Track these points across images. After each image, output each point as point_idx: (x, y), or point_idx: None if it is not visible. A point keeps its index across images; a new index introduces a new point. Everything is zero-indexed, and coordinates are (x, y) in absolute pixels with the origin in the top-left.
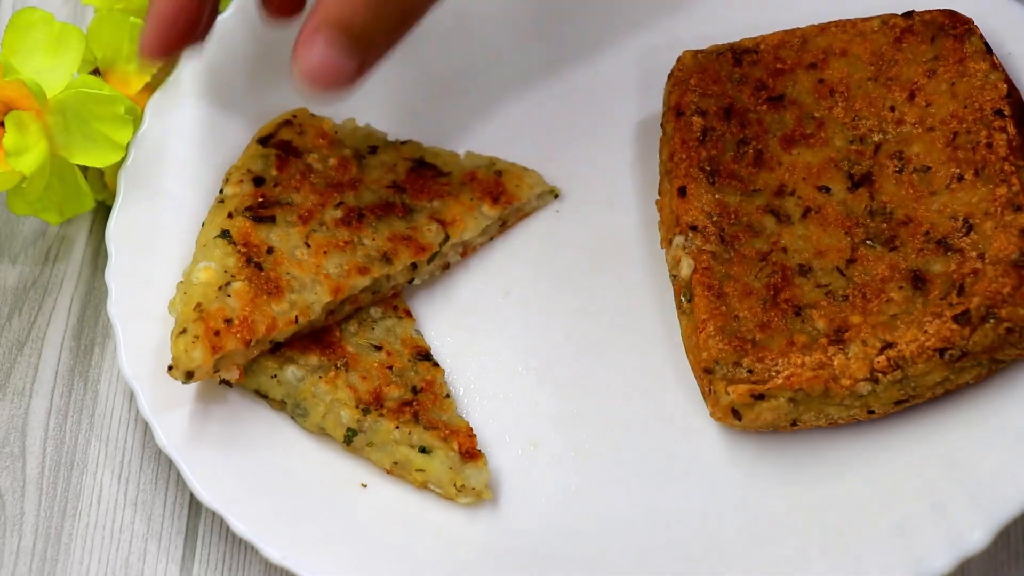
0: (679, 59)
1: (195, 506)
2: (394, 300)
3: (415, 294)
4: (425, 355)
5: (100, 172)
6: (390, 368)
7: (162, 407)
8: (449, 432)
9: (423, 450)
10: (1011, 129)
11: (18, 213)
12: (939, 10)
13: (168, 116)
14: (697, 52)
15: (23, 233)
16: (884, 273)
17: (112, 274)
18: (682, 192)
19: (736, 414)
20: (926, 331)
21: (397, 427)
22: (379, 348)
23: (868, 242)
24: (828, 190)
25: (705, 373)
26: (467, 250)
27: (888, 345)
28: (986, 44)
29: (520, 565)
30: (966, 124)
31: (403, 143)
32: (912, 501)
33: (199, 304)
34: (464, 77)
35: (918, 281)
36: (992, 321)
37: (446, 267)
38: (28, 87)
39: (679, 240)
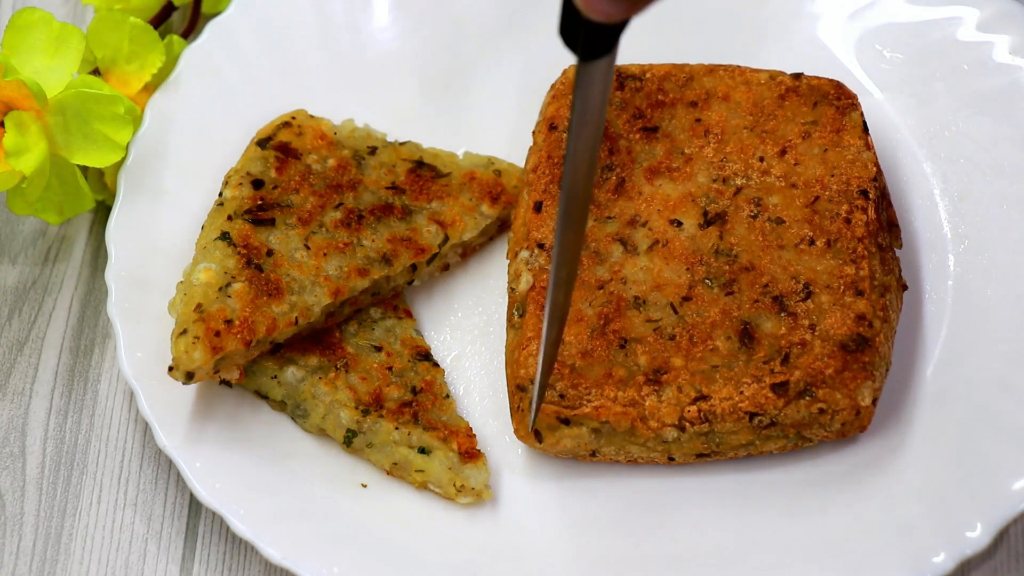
0: (564, 72)
1: (195, 506)
2: (394, 300)
3: (415, 294)
4: (425, 355)
5: (100, 172)
6: (390, 369)
7: (162, 407)
8: (449, 432)
9: (423, 451)
10: (871, 213)
11: (18, 213)
12: (828, 79)
13: (168, 117)
14: None
15: (23, 233)
16: (715, 318)
17: (112, 274)
18: (537, 207)
19: (538, 436)
20: (742, 392)
21: (397, 428)
22: (379, 349)
23: (707, 281)
24: (680, 224)
25: (518, 390)
26: (467, 251)
27: (702, 397)
28: (864, 124)
29: (521, 565)
30: (829, 193)
31: (402, 144)
32: (912, 501)
33: (199, 305)
34: (462, 77)
35: (746, 336)
36: (808, 398)
37: (446, 268)
38: (28, 87)
39: (524, 255)
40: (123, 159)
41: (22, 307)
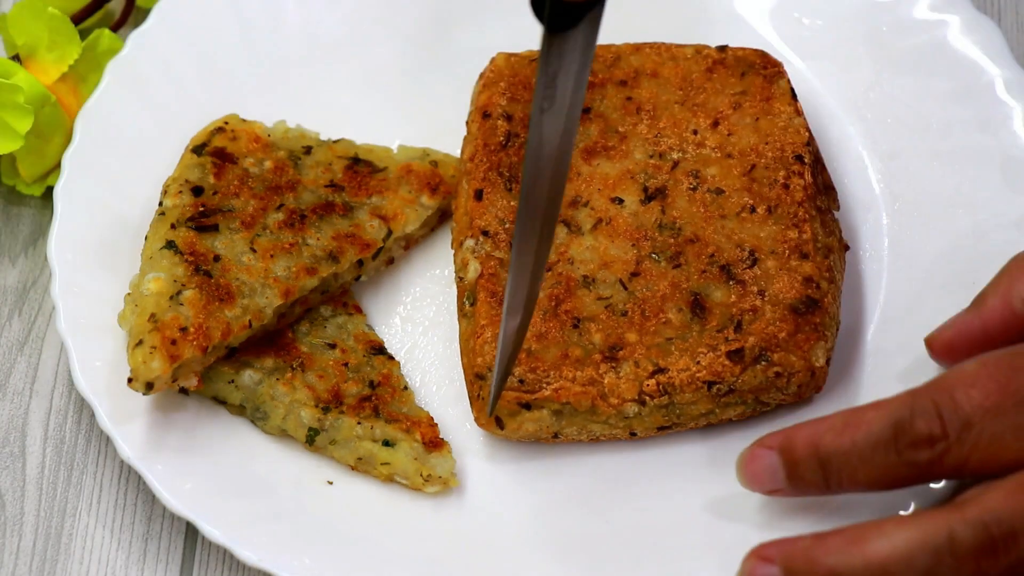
0: (492, 60)
1: None
2: (343, 297)
3: (362, 290)
4: (379, 349)
5: (12, 158)
6: (346, 365)
7: (122, 419)
8: (411, 423)
9: (387, 443)
10: (808, 177)
11: None
12: (752, 49)
13: (100, 130)
14: (511, 55)
15: (23, 233)
16: (665, 291)
17: (58, 291)
18: (478, 195)
19: (499, 422)
20: (698, 362)
21: (359, 423)
22: (333, 346)
23: (653, 256)
24: (621, 201)
25: (476, 379)
26: (410, 243)
27: (659, 370)
28: (792, 91)
29: (491, 549)
30: (765, 160)
31: (335, 142)
32: None
33: (153, 315)
34: (390, 70)
35: (697, 307)
36: (763, 363)
37: (391, 261)
38: None
39: (470, 243)
40: (58, 175)
41: (22, 307)
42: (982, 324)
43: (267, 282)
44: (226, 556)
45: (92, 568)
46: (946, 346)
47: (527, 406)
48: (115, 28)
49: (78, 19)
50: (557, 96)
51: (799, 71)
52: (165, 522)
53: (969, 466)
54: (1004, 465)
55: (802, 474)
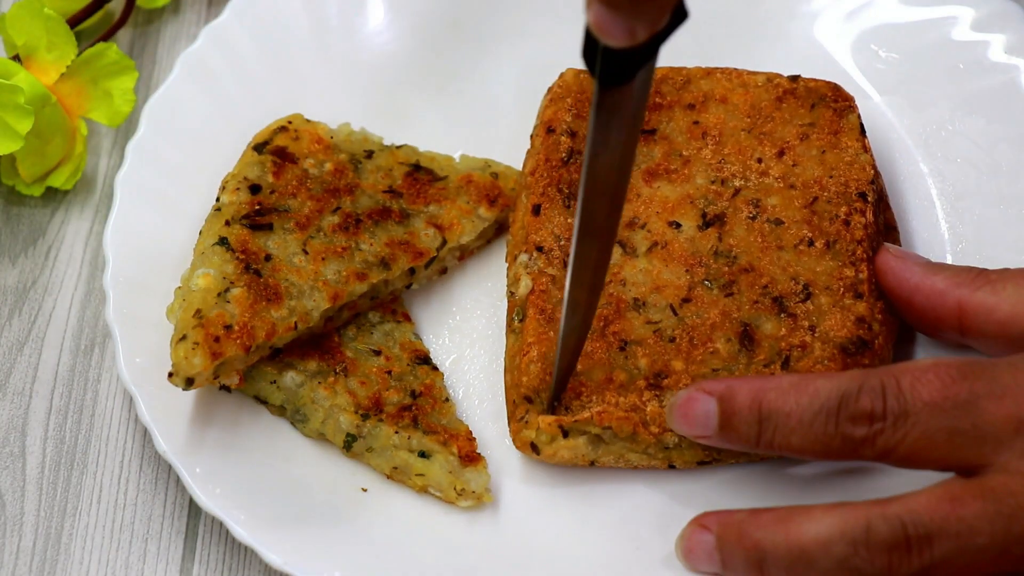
0: (561, 75)
1: (195, 507)
2: (392, 304)
3: (413, 298)
4: (424, 359)
5: (12, 159)
6: (389, 373)
7: (161, 413)
8: (449, 436)
9: (423, 454)
10: (869, 216)
11: None
12: (824, 81)
13: (164, 122)
14: (580, 71)
15: (23, 233)
16: (715, 319)
17: (110, 280)
18: (536, 210)
19: (535, 447)
20: None
21: (396, 432)
22: (378, 353)
23: (706, 283)
24: (679, 226)
25: (522, 399)
26: (464, 254)
27: None
28: (862, 126)
29: (521, 568)
30: (827, 194)
31: (398, 147)
32: None
33: (199, 310)
34: (459, 79)
35: (746, 338)
36: None
37: (444, 271)
38: None
39: (523, 258)
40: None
41: (22, 307)
42: (921, 292)
43: (316, 285)
44: (226, 557)
45: (92, 568)
46: (883, 271)
47: (566, 431)
48: (115, 29)
49: (78, 19)
50: (610, 146)
51: (875, 104)
52: (165, 522)
53: (896, 453)
54: (928, 462)
55: (736, 426)
